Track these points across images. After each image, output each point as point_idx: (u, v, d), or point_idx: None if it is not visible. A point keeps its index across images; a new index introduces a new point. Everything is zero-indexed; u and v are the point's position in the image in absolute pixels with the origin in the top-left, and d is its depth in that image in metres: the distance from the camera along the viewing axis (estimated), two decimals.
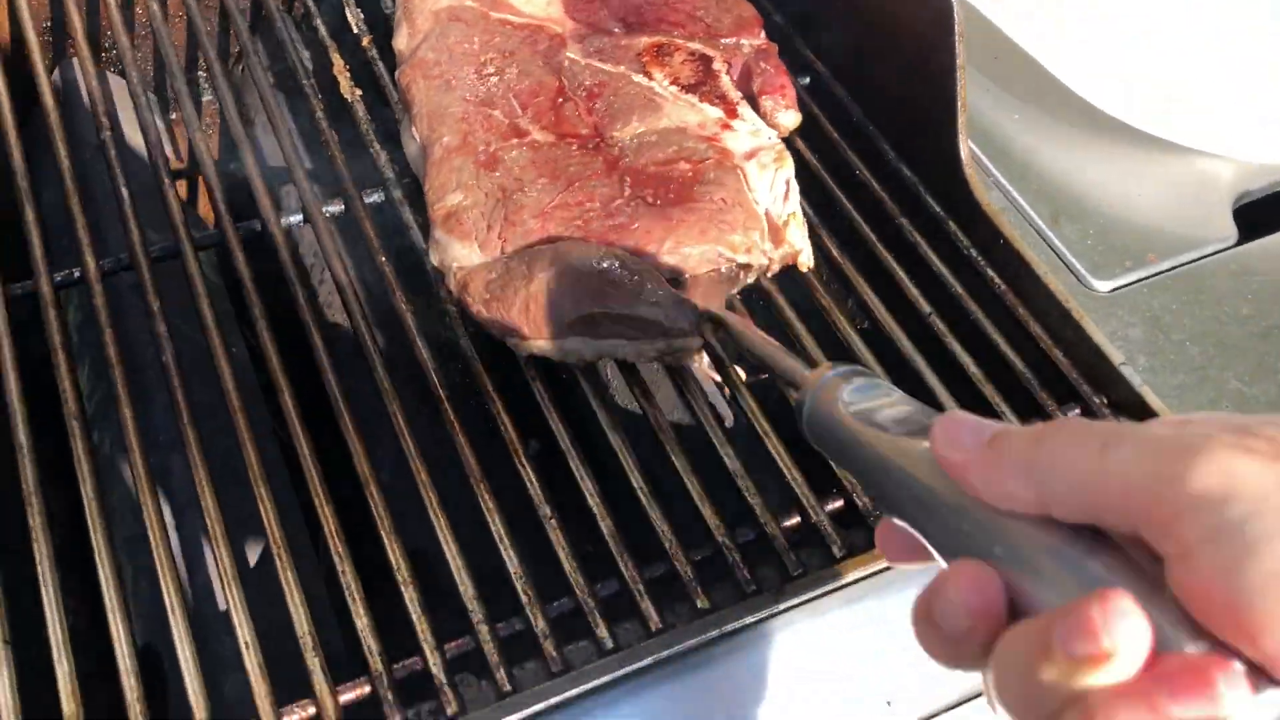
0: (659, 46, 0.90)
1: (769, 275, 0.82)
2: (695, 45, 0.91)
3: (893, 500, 0.46)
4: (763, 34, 0.93)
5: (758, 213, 0.80)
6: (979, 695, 0.72)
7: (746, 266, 0.79)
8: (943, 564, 0.43)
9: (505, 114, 0.82)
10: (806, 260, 0.83)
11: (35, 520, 0.69)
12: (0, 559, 0.68)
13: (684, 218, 0.78)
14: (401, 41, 0.93)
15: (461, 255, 0.78)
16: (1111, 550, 0.38)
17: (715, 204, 0.79)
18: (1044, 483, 0.38)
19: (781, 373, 0.60)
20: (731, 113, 0.86)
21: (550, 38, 0.90)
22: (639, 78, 0.88)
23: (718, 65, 0.90)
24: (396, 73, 0.91)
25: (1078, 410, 0.79)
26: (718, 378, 0.81)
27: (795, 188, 0.83)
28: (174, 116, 1.19)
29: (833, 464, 0.71)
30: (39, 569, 0.67)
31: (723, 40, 0.92)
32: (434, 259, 0.81)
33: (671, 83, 0.88)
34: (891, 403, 0.49)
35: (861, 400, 0.49)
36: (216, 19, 1.14)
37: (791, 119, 0.89)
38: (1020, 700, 0.37)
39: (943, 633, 0.39)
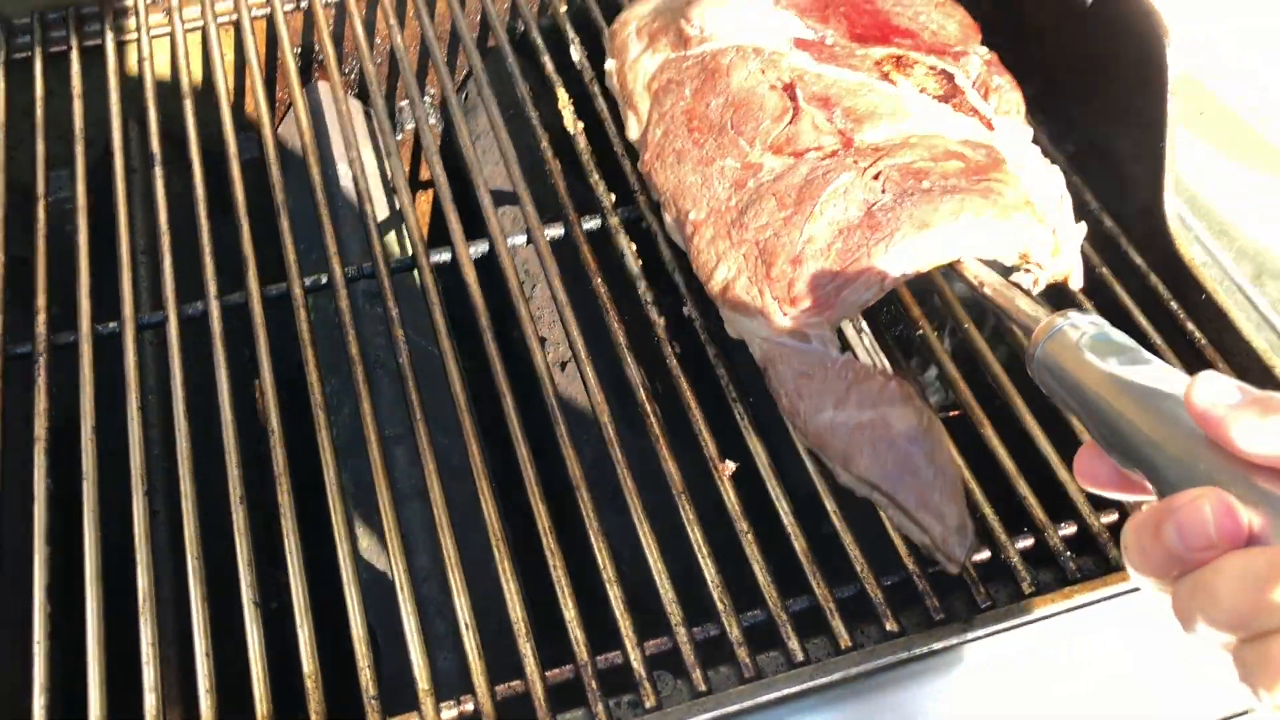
0: (898, 58, 0.87)
1: (1036, 288, 0.79)
2: (933, 59, 0.87)
3: (1120, 440, 0.48)
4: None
5: (1044, 219, 0.77)
6: None
7: (1022, 269, 0.77)
8: (1154, 499, 0.46)
9: (736, 157, 0.80)
10: (1077, 280, 0.80)
11: (284, 499, 0.77)
12: (254, 531, 0.75)
13: (975, 199, 0.73)
14: (633, 133, 0.92)
15: (751, 328, 0.77)
16: None
17: (1008, 197, 0.74)
18: None
19: (1016, 316, 0.61)
20: (988, 125, 0.83)
21: (767, 55, 0.86)
22: (883, 84, 0.84)
23: (961, 80, 0.86)
24: (639, 164, 0.91)
25: None
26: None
27: (1069, 201, 0.81)
28: (400, 137, 1.28)
29: (1058, 404, 0.71)
30: (285, 543, 0.74)
31: (953, 49, 0.90)
32: (731, 333, 0.81)
33: (921, 91, 0.84)
34: (1131, 352, 0.51)
35: (1101, 346, 0.52)
36: (447, 48, 1.23)
37: (1027, 136, 0.87)
38: (1237, 616, 0.40)
39: (1168, 550, 0.43)
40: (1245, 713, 0.71)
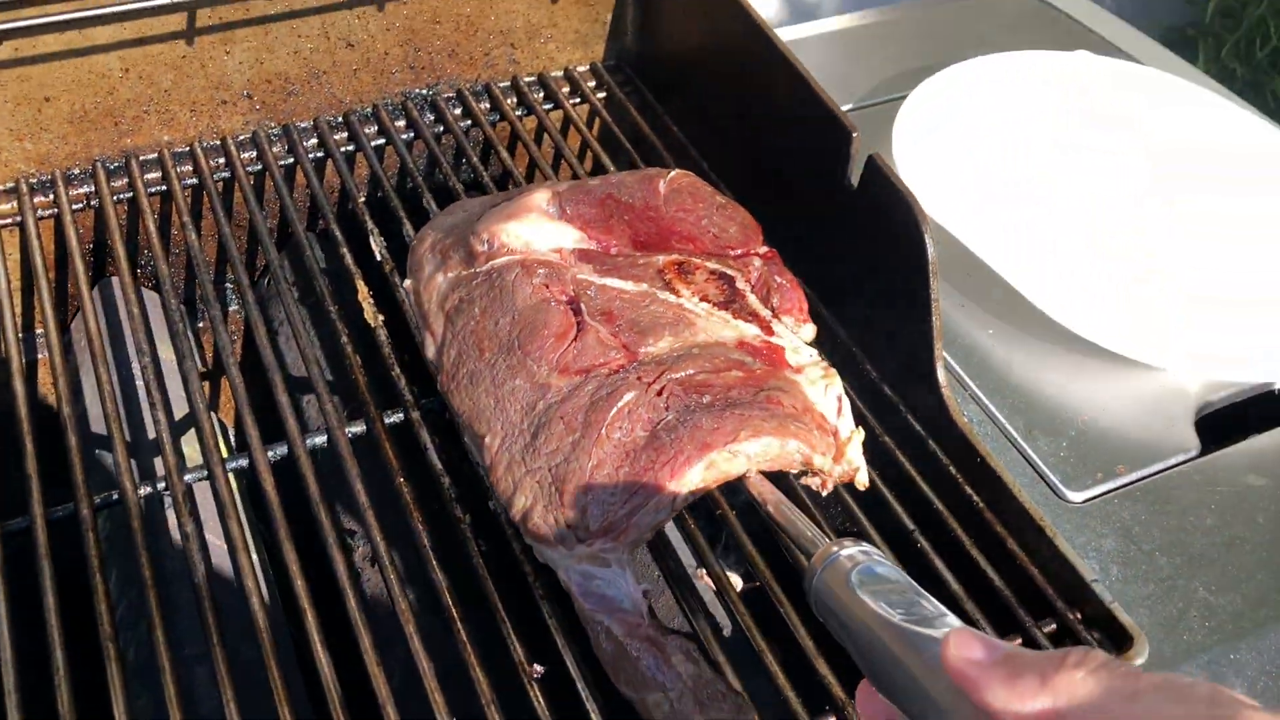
0: (679, 264, 0.90)
1: (825, 490, 0.83)
2: (714, 264, 0.91)
3: (889, 682, 0.49)
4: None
5: (824, 424, 0.80)
6: None
7: (808, 474, 0.79)
8: None
9: (525, 378, 0.80)
10: (863, 479, 0.83)
11: None
12: None
13: (755, 414, 0.76)
14: (430, 352, 0.91)
15: (553, 557, 0.77)
16: None
17: (786, 408, 0.77)
18: (1063, 708, 0.43)
19: (795, 538, 0.62)
20: (767, 329, 0.86)
21: (553, 268, 0.89)
22: (665, 294, 0.87)
23: (741, 284, 0.90)
24: (437, 384, 0.90)
25: (1054, 626, 0.83)
26: (714, 586, 0.86)
27: (848, 404, 0.84)
28: (201, 325, 1.26)
29: (834, 636, 0.75)
30: None
31: (733, 252, 0.94)
32: (539, 559, 0.80)
33: (701, 299, 0.87)
34: (900, 589, 0.52)
35: (871, 581, 0.53)
36: (246, 238, 1.23)
37: (809, 333, 0.91)
38: None
39: None
40: None
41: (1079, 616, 0.84)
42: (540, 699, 0.76)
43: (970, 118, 1.33)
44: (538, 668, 0.77)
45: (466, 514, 0.86)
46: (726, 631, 0.93)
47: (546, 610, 0.81)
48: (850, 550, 0.56)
